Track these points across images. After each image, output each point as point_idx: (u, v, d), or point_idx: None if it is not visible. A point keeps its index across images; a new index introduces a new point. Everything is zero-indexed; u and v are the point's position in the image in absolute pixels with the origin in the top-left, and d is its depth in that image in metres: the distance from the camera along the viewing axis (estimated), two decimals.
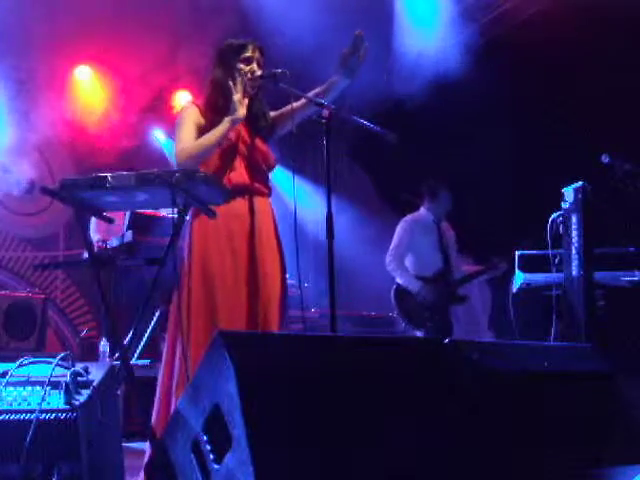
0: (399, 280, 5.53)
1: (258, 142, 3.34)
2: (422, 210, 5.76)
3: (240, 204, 3.22)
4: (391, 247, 5.63)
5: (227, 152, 3.24)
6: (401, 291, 5.52)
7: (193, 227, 3.19)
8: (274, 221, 3.34)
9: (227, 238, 3.18)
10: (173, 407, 2.96)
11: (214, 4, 6.07)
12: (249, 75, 3.25)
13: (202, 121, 3.23)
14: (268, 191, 3.34)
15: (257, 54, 3.29)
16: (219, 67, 3.30)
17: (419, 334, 5.43)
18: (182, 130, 3.20)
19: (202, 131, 3.20)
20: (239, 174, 3.25)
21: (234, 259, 3.18)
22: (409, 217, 5.74)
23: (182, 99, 7.63)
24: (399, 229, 5.68)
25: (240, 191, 3.22)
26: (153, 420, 3.08)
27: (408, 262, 5.61)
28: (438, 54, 6.22)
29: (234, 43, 3.30)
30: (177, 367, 3.08)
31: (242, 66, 3.26)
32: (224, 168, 3.22)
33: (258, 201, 3.27)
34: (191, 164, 3.07)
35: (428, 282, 5.48)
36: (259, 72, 3.27)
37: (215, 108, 3.24)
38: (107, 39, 6.35)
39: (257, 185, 3.28)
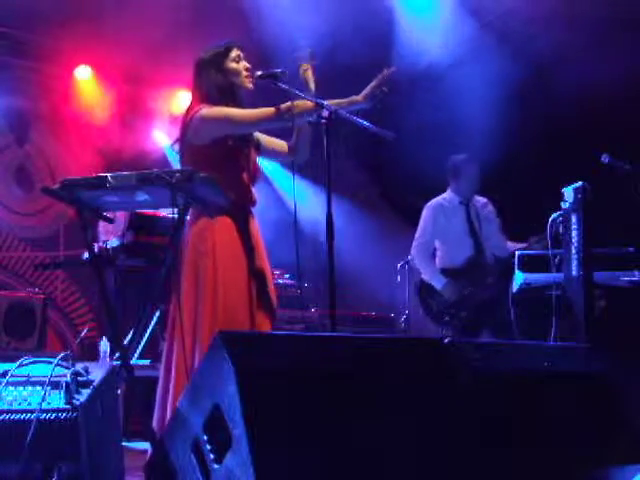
0: (423, 275, 5.07)
1: (253, 153, 3.42)
2: (447, 192, 5.22)
3: (247, 219, 3.31)
4: (415, 238, 5.15)
5: (237, 165, 3.31)
6: (424, 286, 5.06)
7: (215, 248, 3.20)
8: (259, 230, 3.42)
9: (240, 255, 3.24)
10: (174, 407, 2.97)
11: (215, 4, 6.07)
12: (245, 73, 3.33)
13: None
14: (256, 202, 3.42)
15: (241, 52, 3.38)
16: (213, 70, 3.32)
17: (444, 332, 4.95)
18: (237, 110, 3.26)
19: None
20: (245, 189, 3.32)
21: (248, 275, 3.24)
22: (433, 202, 5.20)
23: (183, 100, 7.62)
24: (422, 217, 5.17)
25: (245, 206, 3.31)
26: (154, 420, 3.09)
27: (437, 252, 5.11)
28: (438, 50, 6.22)
29: (219, 47, 3.37)
30: (179, 367, 3.09)
31: (235, 65, 3.33)
32: (235, 181, 3.27)
33: (252, 215, 3.36)
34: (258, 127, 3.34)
35: (457, 274, 4.98)
36: (259, 72, 3.32)
37: None
38: (107, 39, 6.34)
39: (253, 198, 3.37)
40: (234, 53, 3.35)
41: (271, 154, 3.57)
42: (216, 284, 3.15)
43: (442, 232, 5.11)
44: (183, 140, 3.30)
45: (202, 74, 3.35)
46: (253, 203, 3.37)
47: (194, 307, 3.15)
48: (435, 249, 5.18)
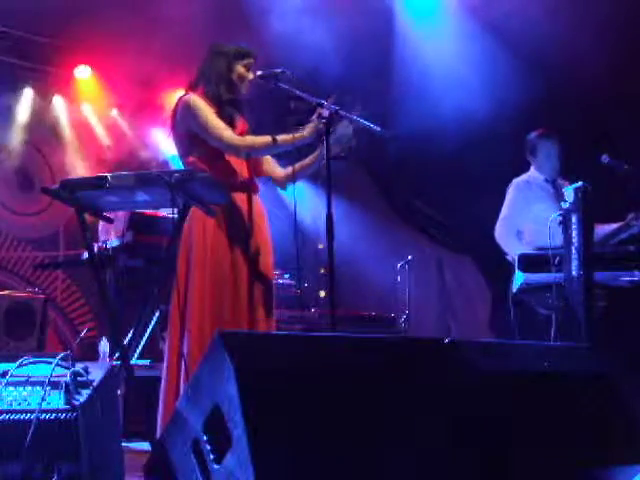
0: (508, 257, 4.76)
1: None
2: (531, 170, 4.96)
3: (243, 203, 3.31)
4: (500, 217, 4.85)
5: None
6: None
7: (206, 228, 3.21)
8: (266, 218, 3.44)
9: (233, 238, 3.25)
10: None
11: (216, 5, 6.07)
12: (247, 83, 3.39)
13: (213, 111, 3.30)
14: (258, 188, 3.44)
15: (253, 65, 3.43)
16: (223, 62, 3.35)
17: (543, 312, 4.58)
18: (211, 119, 3.24)
19: None
20: (242, 173, 3.34)
21: (240, 259, 3.25)
22: (518, 179, 4.95)
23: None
24: (508, 194, 4.91)
25: (243, 189, 3.32)
26: (158, 421, 3.10)
27: (526, 233, 4.79)
28: (438, 56, 6.22)
29: (242, 48, 3.41)
30: (180, 367, 3.10)
31: (243, 70, 3.38)
32: (232, 166, 3.31)
33: (255, 199, 3.37)
34: (247, 153, 3.29)
35: None
36: (260, 72, 3.35)
37: (219, 100, 3.32)
38: (107, 39, 6.34)
39: (255, 183, 3.39)
40: (248, 61, 3.39)
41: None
42: (205, 262, 3.18)
43: (529, 211, 4.79)
44: (174, 126, 3.32)
45: (212, 58, 3.39)
46: (254, 188, 3.37)
47: (185, 287, 3.17)
48: (521, 232, 4.83)
